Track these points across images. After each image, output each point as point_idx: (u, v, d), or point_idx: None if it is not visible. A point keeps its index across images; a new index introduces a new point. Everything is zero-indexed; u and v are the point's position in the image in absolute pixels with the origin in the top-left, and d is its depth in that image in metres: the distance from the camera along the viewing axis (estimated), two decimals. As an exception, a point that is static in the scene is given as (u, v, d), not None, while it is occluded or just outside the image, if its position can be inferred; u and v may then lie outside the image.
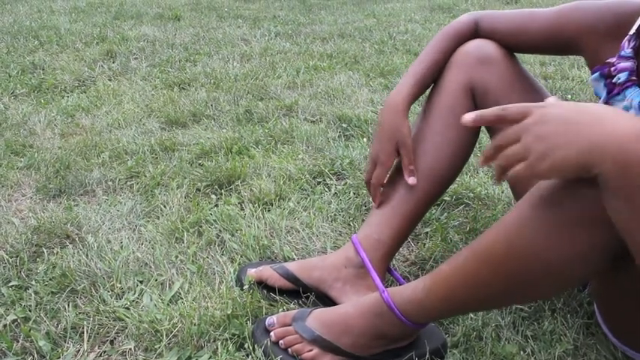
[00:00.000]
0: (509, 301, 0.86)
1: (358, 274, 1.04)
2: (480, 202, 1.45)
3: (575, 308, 1.06)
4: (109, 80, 2.45)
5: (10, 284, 1.12)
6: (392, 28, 3.66)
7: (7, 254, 1.19)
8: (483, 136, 1.53)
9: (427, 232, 1.31)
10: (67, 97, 2.23)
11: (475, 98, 1.06)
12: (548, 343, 0.99)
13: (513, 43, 1.07)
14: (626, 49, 0.91)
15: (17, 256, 1.19)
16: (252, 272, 1.09)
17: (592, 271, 0.71)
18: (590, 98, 2.25)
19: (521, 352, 0.96)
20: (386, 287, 0.92)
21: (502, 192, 1.48)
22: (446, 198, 1.43)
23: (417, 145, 1.07)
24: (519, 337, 1.00)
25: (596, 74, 0.95)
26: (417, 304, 0.87)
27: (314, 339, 0.91)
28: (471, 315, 1.03)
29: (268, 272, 1.08)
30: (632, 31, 0.91)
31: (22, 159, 1.67)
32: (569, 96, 2.27)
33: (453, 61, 1.08)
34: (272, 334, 0.95)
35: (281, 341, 0.94)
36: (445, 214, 1.39)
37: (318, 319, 0.94)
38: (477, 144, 1.35)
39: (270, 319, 0.97)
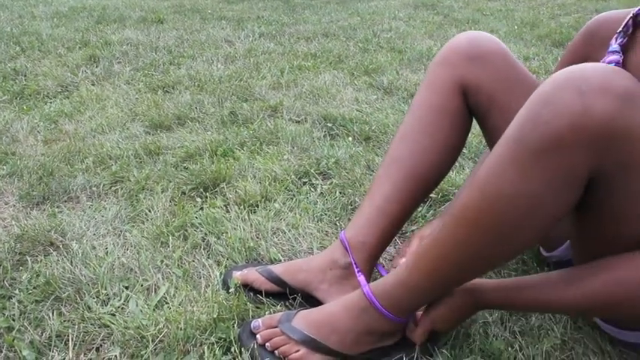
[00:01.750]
0: (495, 257, 0.81)
1: (344, 275, 1.03)
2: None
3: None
4: (92, 85, 2.43)
5: (-7, 294, 1.10)
6: (376, 26, 3.66)
7: (-11, 263, 1.18)
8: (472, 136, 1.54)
9: (413, 230, 1.31)
10: (50, 103, 2.21)
11: (467, 97, 1.04)
12: (535, 339, 0.99)
13: None
14: (614, 44, 0.92)
15: (0, 265, 1.18)
16: (237, 275, 1.08)
17: (564, 203, 0.71)
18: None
19: (509, 349, 0.97)
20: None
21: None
22: (432, 195, 1.43)
23: (403, 146, 1.05)
24: (507, 334, 1.00)
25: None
26: (400, 288, 0.87)
27: (301, 339, 0.91)
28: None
29: (254, 275, 1.07)
30: (620, 28, 0.92)
31: (4, 167, 1.65)
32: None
33: (443, 58, 1.05)
34: (258, 336, 0.94)
35: (268, 344, 0.93)
36: (431, 211, 1.39)
37: (304, 319, 0.94)
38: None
39: (256, 322, 0.96)
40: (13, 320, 1.03)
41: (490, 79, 1.01)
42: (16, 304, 1.06)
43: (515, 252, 0.83)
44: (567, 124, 0.65)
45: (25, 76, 2.55)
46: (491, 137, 1.06)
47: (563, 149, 0.66)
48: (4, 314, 1.04)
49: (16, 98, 2.27)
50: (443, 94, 1.04)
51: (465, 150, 1.70)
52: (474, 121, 1.09)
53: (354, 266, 1.02)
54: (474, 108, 1.05)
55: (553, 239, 1.07)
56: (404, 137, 1.06)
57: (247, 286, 1.07)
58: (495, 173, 0.72)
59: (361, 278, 0.98)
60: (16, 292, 1.10)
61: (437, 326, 0.92)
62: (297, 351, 0.91)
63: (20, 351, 0.95)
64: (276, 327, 0.94)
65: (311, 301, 1.04)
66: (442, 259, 0.81)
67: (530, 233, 0.75)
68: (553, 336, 0.99)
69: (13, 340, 0.97)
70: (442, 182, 1.44)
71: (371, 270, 1.06)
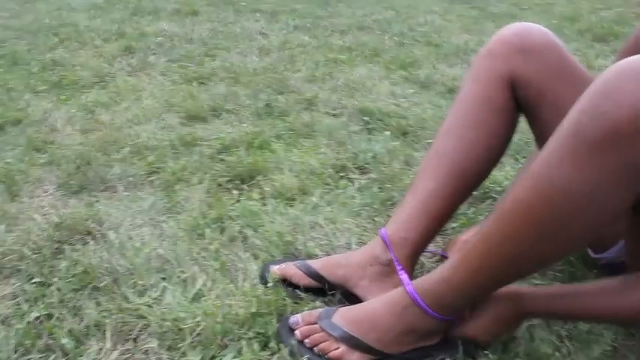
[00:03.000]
0: (544, 255, 0.77)
1: (384, 272, 1.01)
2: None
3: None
4: (128, 76, 2.44)
5: (33, 281, 1.11)
6: (411, 19, 3.61)
7: (29, 251, 1.18)
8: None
9: (454, 227, 1.28)
10: (87, 93, 2.23)
11: (516, 90, 0.99)
12: (584, 344, 0.95)
13: None
14: None
15: (40, 253, 1.18)
16: (275, 269, 1.07)
17: (621, 200, 0.68)
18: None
19: (557, 353, 0.93)
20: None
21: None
22: (473, 192, 1.40)
23: (447, 140, 1.02)
24: (554, 337, 0.97)
25: None
26: (444, 286, 0.84)
27: (342, 336, 0.89)
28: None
29: (292, 270, 1.05)
30: None
31: (43, 155, 1.66)
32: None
33: (490, 50, 1.01)
34: (297, 332, 0.92)
35: (306, 340, 0.91)
36: (472, 208, 1.36)
37: (344, 316, 0.92)
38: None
39: (294, 318, 0.94)
40: (53, 308, 1.03)
41: (541, 72, 0.97)
42: (55, 292, 1.07)
43: (566, 251, 0.79)
44: (627, 115, 0.62)
45: (63, 66, 2.57)
46: (540, 133, 1.02)
47: (622, 142, 0.63)
48: (43, 302, 1.04)
49: (54, 88, 2.29)
50: (490, 87, 1.00)
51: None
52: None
53: (396, 263, 0.99)
54: (523, 102, 1.00)
55: (604, 239, 1.03)
56: (448, 131, 1.03)
57: (285, 281, 1.05)
58: (549, 167, 0.70)
59: (404, 276, 0.96)
60: (55, 280, 1.10)
61: (479, 337, 0.90)
62: (337, 348, 0.89)
63: (60, 339, 0.95)
64: (315, 323, 0.92)
65: (350, 297, 1.02)
66: (489, 256, 0.79)
67: (584, 231, 0.72)
68: (603, 342, 0.95)
69: (53, 328, 0.97)
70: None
71: (413, 266, 1.03)
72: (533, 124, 1.03)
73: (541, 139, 1.01)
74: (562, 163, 0.68)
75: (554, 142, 0.70)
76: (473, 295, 0.86)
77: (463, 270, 0.82)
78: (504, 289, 0.86)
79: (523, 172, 0.76)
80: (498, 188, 1.42)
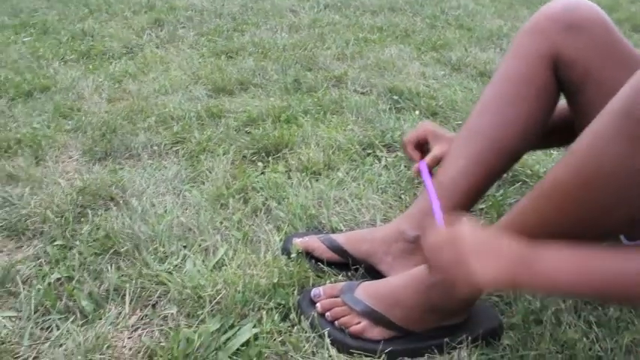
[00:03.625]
0: (580, 240, 0.71)
1: (409, 249, 0.98)
2: (537, 180, 1.36)
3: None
4: (157, 48, 2.43)
5: (55, 243, 1.10)
6: (444, 3, 3.54)
7: (52, 214, 1.18)
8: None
9: (482, 209, 1.25)
10: (115, 63, 2.22)
11: (558, 69, 0.93)
12: (614, 331, 0.92)
13: None
14: None
15: (62, 217, 1.18)
16: (298, 242, 1.05)
17: None
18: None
19: (584, 339, 0.90)
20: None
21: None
22: (505, 172, 1.36)
23: (483, 116, 0.97)
24: (581, 323, 0.93)
25: None
26: None
27: (364, 311, 0.87)
28: (529, 297, 0.97)
29: (315, 243, 1.03)
30: None
31: (69, 122, 1.66)
32: None
33: (534, 25, 0.95)
34: (318, 305, 0.91)
35: (328, 313, 0.89)
36: (501, 190, 1.32)
37: (367, 291, 0.90)
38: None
39: (317, 290, 0.92)
40: (73, 271, 1.02)
41: (588, 50, 0.90)
42: (77, 255, 1.06)
43: (603, 235, 0.75)
44: None
45: (93, 37, 2.57)
46: (582, 114, 0.96)
47: None
48: (65, 264, 1.04)
49: (82, 58, 2.29)
50: (530, 64, 0.94)
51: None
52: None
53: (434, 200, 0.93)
54: (566, 82, 0.94)
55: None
56: (484, 108, 0.98)
57: (308, 254, 1.03)
58: (595, 147, 0.64)
59: (438, 213, 0.91)
60: (77, 243, 1.10)
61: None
62: (359, 323, 0.87)
63: (79, 301, 0.95)
64: (337, 297, 0.90)
65: (373, 273, 1.00)
66: (522, 237, 0.75)
67: (625, 214, 0.67)
68: (633, 330, 0.92)
69: (73, 290, 0.97)
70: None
71: None
72: (574, 104, 0.98)
73: (582, 121, 0.96)
74: (610, 144, 0.63)
75: (599, 122, 0.65)
76: None
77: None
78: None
79: (564, 155, 0.71)
80: (529, 172, 1.38)
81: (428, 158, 1.04)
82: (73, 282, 1.00)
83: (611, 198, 0.65)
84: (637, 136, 0.60)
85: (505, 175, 1.37)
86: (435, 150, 1.04)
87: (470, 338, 0.87)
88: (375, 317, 0.87)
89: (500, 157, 0.96)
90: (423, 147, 1.08)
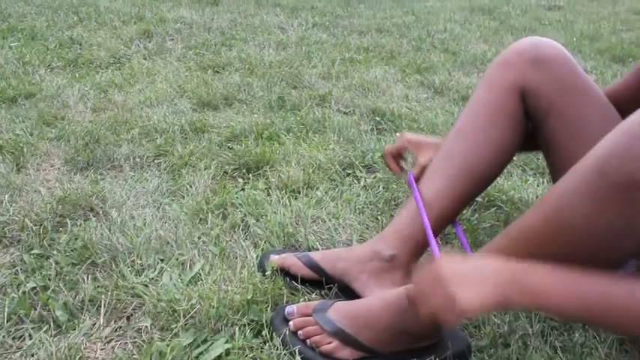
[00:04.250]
0: None
1: (384, 268, 1.00)
2: (512, 206, 1.40)
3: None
4: (144, 59, 2.44)
5: (32, 252, 1.11)
6: (431, 26, 3.60)
7: (31, 222, 1.19)
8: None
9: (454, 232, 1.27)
10: (102, 72, 2.24)
11: (526, 100, 1.01)
12: (578, 356, 0.94)
13: None
14: None
15: (41, 225, 1.19)
16: (275, 258, 1.06)
17: (637, 242, 0.64)
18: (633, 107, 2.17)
19: (549, 364, 0.92)
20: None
21: (536, 197, 1.43)
22: (477, 199, 1.39)
23: (458, 140, 1.03)
24: (547, 348, 0.96)
25: None
26: None
27: (334, 331, 0.89)
28: (497, 321, 0.99)
29: (291, 260, 1.05)
30: None
31: (53, 130, 1.67)
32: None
33: (504, 59, 1.03)
34: (291, 323, 0.92)
35: (300, 331, 0.91)
36: (476, 215, 1.35)
37: (340, 311, 0.91)
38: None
39: (290, 308, 0.94)
40: (49, 280, 1.03)
41: (551, 84, 0.98)
42: (53, 264, 1.07)
43: None
44: None
45: (81, 45, 2.59)
46: (546, 143, 1.02)
47: None
48: (41, 273, 1.04)
49: (69, 65, 2.30)
50: (501, 94, 1.02)
51: (514, 157, 1.65)
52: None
53: (421, 208, 0.98)
54: (532, 112, 1.02)
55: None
56: (458, 133, 1.04)
57: (283, 271, 1.05)
58: (569, 203, 0.66)
59: (434, 245, 0.92)
60: (54, 252, 1.10)
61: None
62: (330, 343, 0.89)
63: (54, 311, 0.95)
64: (310, 315, 0.92)
65: (347, 292, 1.01)
66: None
67: (594, 265, 0.70)
68: (597, 356, 0.94)
69: (48, 300, 0.97)
70: (489, 187, 1.41)
71: (412, 265, 1.03)
72: (539, 133, 1.04)
73: (546, 149, 1.03)
74: (583, 202, 0.64)
75: (575, 178, 0.67)
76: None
77: None
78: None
79: (538, 203, 0.72)
80: (504, 197, 1.41)
81: (415, 169, 1.09)
82: (49, 291, 1.00)
83: (585, 252, 0.67)
84: (609, 197, 0.62)
85: (480, 200, 1.40)
86: (420, 159, 1.10)
87: (438, 360, 0.89)
88: (345, 338, 0.88)
89: (473, 181, 1.01)
90: (402, 157, 1.15)
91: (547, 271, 0.69)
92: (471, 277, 0.70)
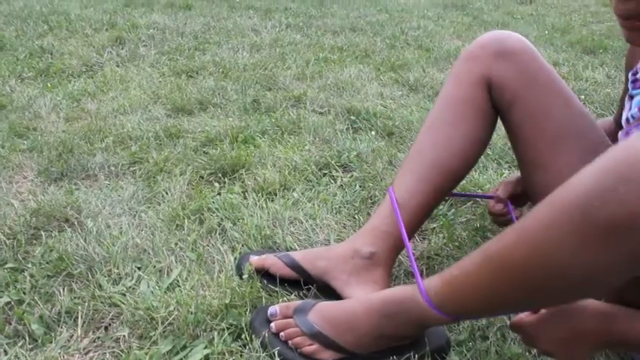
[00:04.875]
0: (526, 309, 0.81)
1: (364, 266, 1.01)
2: (487, 200, 1.41)
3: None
4: (117, 66, 2.42)
5: (6, 266, 1.09)
6: (404, 23, 3.62)
7: (4, 236, 1.17)
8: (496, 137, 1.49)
9: (434, 228, 1.28)
10: (74, 81, 2.21)
11: (491, 92, 1.03)
12: (555, 346, 0.95)
13: None
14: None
15: (14, 238, 1.17)
16: (254, 259, 1.06)
17: (622, 278, 0.63)
18: (604, 99, 2.20)
19: (527, 354, 0.93)
20: (393, 280, 0.89)
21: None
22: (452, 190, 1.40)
23: (428, 136, 1.04)
24: (526, 338, 0.97)
25: (631, 72, 0.93)
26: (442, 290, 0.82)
27: (314, 334, 0.88)
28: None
29: (271, 260, 1.05)
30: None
31: (25, 142, 1.65)
32: (583, 96, 2.23)
33: (469, 53, 1.05)
34: (272, 325, 0.92)
35: (282, 333, 0.91)
36: (452, 210, 1.36)
37: (321, 313, 0.91)
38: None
39: (273, 309, 0.94)
40: (24, 294, 1.02)
41: (514, 76, 1.00)
42: (28, 277, 1.05)
43: (553, 306, 0.80)
44: None
45: (52, 54, 2.55)
46: (511, 134, 1.04)
47: (636, 233, 0.57)
48: (15, 287, 1.03)
49: (40, 75, 2.27)
50: (468, 87, 1.04)
51: (488, 151, 1.67)
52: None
53: (402, 227, 0.99)
54: (497, 104, 1.04)
55: None
56: (428, 130, 1.06)
57: (261, 273, 1.05)
58: (551, 237, 0.63)
59: (416, 270, 0.91)
60: (29, 265, 1.09)
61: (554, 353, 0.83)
62: (311, 345, 0.89)
63: (29, 325, 0.94)
64: (291, 316, 0.92)
65: (326, 292, 1.02)
66: (472, 298, 0.75)
67: (576, 298, 0.73)
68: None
69: (23, 314, 0.96)
70: (465, 182, 1.42)
71: (393, 260, 1.04)
72: (506, 124, 1.06)
73: (514, 140, 1.04)
74: (565, 239, 0.62)
75: (556, 211, 0.63)
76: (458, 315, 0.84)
77: (443, 298, 0.79)
78: (591, 304, 0.82)
79: (519, 224, 0.70)
80: (479, 191, 1.42)
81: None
82: (24, 305, 0.99)
83: (566, 286, 0.65)
84: (590, 236, 0.60)
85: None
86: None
87: (417, 356, 0.90)
88: (325, 342, 0.88)
89: (445, 175, 1.03)
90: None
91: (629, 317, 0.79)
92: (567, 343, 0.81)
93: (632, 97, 0.91)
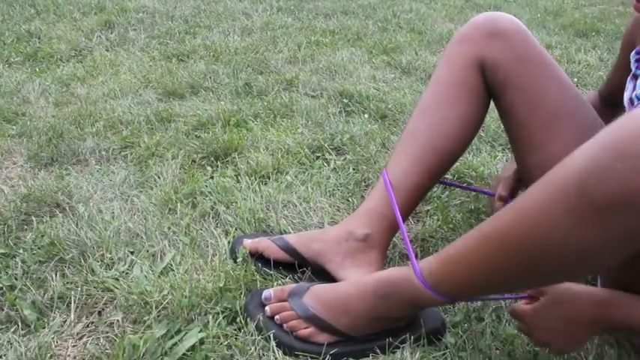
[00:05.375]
0: (521, 287, 0.82)
1: (359, 248, 1.00)
2: (482, 182, 1.41)
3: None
4: (106, 51, 2.39)
5: (-3, 252, 1.08)
6: (396, 6, 3.59)
7: (-6, 221, 1.16)
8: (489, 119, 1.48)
9: (428, 210, 1.28)
10: (63, 66, 2.18)
11: (484, 73, 1.03)
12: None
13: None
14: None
15: (5, 224, 1.16)
16: (248, 243, 1.06)
17: (617, 257, 0.63)
18: (597, 81, 2.20)
19: (522, 335, 0.93)
20: (388, 262, 0.89)
21: (505, 172, 1.45)
22: (447, 176, 1.40)
23: (421, 118, 1.04)
24: (520, 319, 0.97)
25: (634, 51, 0.93)
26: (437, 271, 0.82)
27: (309, 317, 0.88)
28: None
29: (265, 243, 1.04)
30: None
31: (14, 127, 1.62)
32: (576, 79, 2.22)
33: (462, 35, 1.04)
34: (267, 308, 0.91)
35: (277, 316, 0.90)
36: (446, 192, 1.35)
37: (316, 296, 0.90)
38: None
39: (267, 293, 0.93)
40: (16, 279, 1.01)
41: (507, 57, 1.00)
42: (20, 263, 1.04)
43: (551, 284, 0.79)
44: None
45: (39, 38, 2.52)
46: (505, 116, 1.04)
47: (632, 210, 0.56)
48: (7, 273, 1.02)
49: (28, 60, 2.24)
50: (461, 69, 1.03)
51: (482, 133, 1.66)
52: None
53: (396, 209, 0.98)
54: (491, 85, 1.04)
55: None
56: (421, 112, 1.05)
57: (255, 256, 1.04)
58: (548, 215, 0.63)
59: (411, 252, 0.90)
60: (20, 251, 1.08)
61: (549, 342, 0.83)
62: (306, 328, 0.88)
63: (22, 310, 0.93)
64: (286, 300, 0.91)
65: (321, 274, 1.01)
66: (468, 277, 0.75)
67: (572, 278, 0.74)
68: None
69: (15, 300, 0.95)
70: (458, 164, 1.42)
71: (388, 242, 1.03)
72: (499, 105, 1.05)
73: (506, 121, 1.04)
74: (560, 217, 0.62)
75: (553, 189, 0.63)
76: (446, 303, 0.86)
77: (439, 279, 0.79)
78: (584, 290, 0.81)
79: (515, 204, 0.68)
80: (473, 173, 1.42)
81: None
82: (16, 291, 0.98)
83: (562, 263, 0.65)
84: (586, 214, 0.60)
85: (450, 177, 1.41)
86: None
87: (412, 338, 0.90)
88: (320, 324, 0.88)
89: (439, 156, 1.02)
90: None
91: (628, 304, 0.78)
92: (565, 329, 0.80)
93: (636, 77, 0.91)
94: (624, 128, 0.57)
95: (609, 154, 0.57)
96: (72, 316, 0.94)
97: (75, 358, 0.87)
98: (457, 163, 1.38)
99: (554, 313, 0.80)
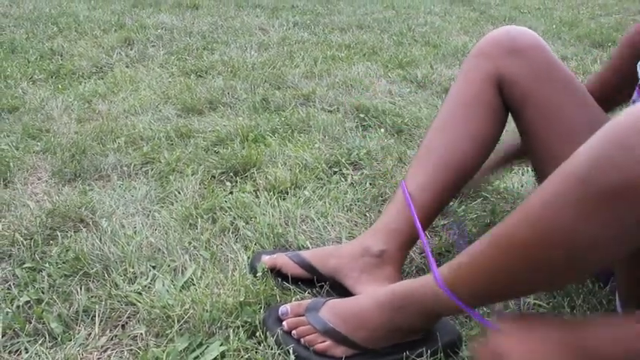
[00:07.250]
0: (534, 289, 0.80)
1: (375, 263, 1.02)
2: (498, 196, 1.42)
3: (596, 305, 1.03)
4: (126, 67, 2.44)
5: (24, 266, 1.11)
6: (411, 20, 3.62)
7: (21, 236, 1.19)
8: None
9: (444, 224, 1.29)
10: (85, 83, 2.23)
11: (502, 90, 1.02)
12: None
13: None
14: None
15: (31, 239, 1.19)
16: (265, 259, 1.07)
17: (622, 248, 0.64)
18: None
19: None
20: (404, 277, 0.90)
21: (521, 186, 1.46)
22: (464, 190, 1.41)
23: (437, 135, 1.05)
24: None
25: None
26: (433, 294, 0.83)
27: (326, 331, 0.90)
28: (486, 310, 1.01)
29: (283, 260, 1.06)
30: None
31: (38, 143, 1.67)
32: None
33: (480, 50, 1.04)
34: (284, 323, 0.93)
35: (294, 331, 0.92)
36: (463, 206, 1.36)
37: (332, 310, 0.92)
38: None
39: (284, 308, 0.95)
40: (43, 293, 1.03)
41: (526, 73, 0.99)
42: (46, 277, 1.07)
43: (560, 287, 0.79)
44: None
45: (62, 56, 2.58)
46: (524, 132, 1.04)
47: (634, 198, 0.58)
48: (34, 286, 1.05)
49: (51, 77, 2.30)
50: (478, 85, 1.03)
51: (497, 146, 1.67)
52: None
53: (414, 215, 1.00)
54: (508, 101, 1.03)
55: None
56: (438, 128, 1.06)
57: (274, 271, 1.06)
58: (552, 208, 0.65)
59: (429, 254, 0.91)
60: (46, 265, 1.11)
61: None
62: (324, 342, 0.90)
63: (49, 323, 0.96)
64: (303, 315, 0.93)
65: (338, 289, 1.03)
66: (481, 281, 0.76)
67: (579, 271, 0.71)
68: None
69: (42, 313, 0.98)
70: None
71: (404, 258, 1.04)
72: (518, 123, 1.05)
73: (526, 138, 1.04)
74: (565, 208, 0.63)
75: (558, 182, 0.65)
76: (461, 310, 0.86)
77: (452, 287, 0.79)
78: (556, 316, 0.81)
79: (522, 206, 0.72)
80: (490, 188, 1.43)
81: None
82: (43, 304, 1.01)
83: (568, 256, 0.66)
84: (590, 203, 0.61)
85: (467, 191, 1.42)
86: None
87: (429, 351, 0.91)
88: (338, 338, 0.89)
89: (454, 173, 1.03)
90: None
91: (606, 331, 0.70)
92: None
93: None
94: (622, 120, 0.60)
95: (609, 145, 0.59)
96: (96, 329, 0.96)
97: (100, 370, 0.89)
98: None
99: (522, 335, 0.74)
